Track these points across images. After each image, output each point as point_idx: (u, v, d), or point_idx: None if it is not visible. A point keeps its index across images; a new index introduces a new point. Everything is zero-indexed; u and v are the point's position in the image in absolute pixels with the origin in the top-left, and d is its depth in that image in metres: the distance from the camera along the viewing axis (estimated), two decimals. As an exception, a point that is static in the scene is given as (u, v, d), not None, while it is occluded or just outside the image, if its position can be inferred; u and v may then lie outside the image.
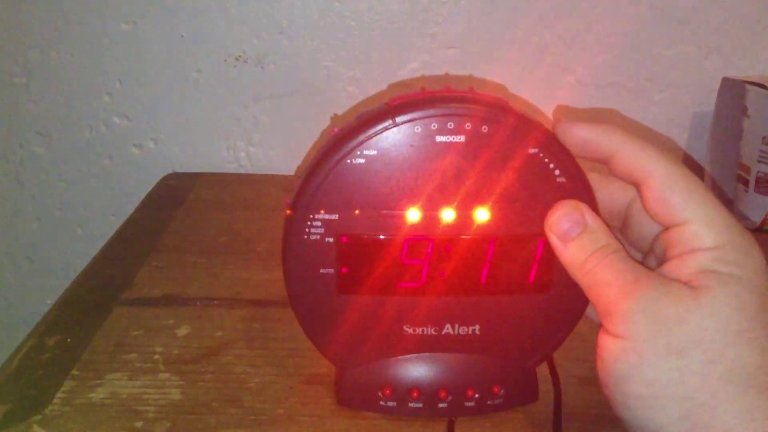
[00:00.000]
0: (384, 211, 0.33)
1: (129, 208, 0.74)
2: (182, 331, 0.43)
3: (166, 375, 0.39)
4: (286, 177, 0.72)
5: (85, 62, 0.70)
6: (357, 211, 0.33)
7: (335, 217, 0.33)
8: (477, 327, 0.35)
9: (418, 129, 0.31)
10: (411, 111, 0.31)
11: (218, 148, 0.73)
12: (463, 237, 0.33)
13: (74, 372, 0.39)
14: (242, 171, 0.74)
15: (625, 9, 0.68)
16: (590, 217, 0.31)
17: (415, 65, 0.70)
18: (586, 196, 0.32)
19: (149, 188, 0.70)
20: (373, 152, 0.32)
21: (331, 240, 0.33)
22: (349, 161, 0.32)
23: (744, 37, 0.70)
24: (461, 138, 0.31)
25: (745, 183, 0.68)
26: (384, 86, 0.71)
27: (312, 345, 0.36)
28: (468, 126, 0.31)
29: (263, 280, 0.50)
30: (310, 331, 0.36)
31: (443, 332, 0.35)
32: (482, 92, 0.33)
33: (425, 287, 0.34)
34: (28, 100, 0.71)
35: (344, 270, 0.34)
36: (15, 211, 0.75)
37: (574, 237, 0.31)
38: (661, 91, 0.72)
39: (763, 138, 0.65)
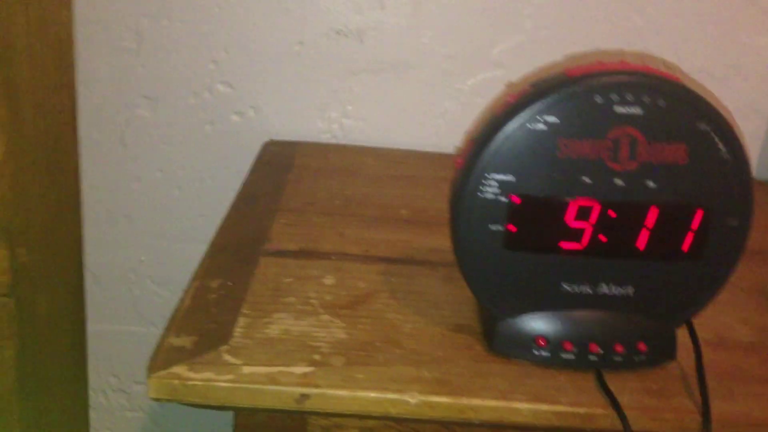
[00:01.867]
0: (556, 175, 0.36)
1: (225, 172, 0.78)
2: (328, 281, 0.47)
3: (327, 317, 0.43)
4: (379, 149, 0.75)
5: (194, 31, 0.73)
6: (532, 174, 0.36)
7: (510, 177, 0.36)
8: (630, 288, 0.38)
9: (598, 99, 0.35)
10: (592, 81, 0.35)
11: (314, 119, 0.77)
12: (628, 204, 0.36)
13: (244, 311, 0.42)
14: (335, 141, 0.77)
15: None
16: None
17: (510, 45, 0.73)
18: (746, 175, 0.36)
19: (246, 154, 0.73)
20: (553, 119, 0.35)
21: (503, 199, 0.37)
22: (529, 126, 0.35)
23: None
24: (638, 110, 0.35)
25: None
26: (477, 66, 0.74)
27: (454, 299, 0.39)
28: (646, 99, 0.34)
29: (385, 239, 0.54)
30: (473, 281, 0.39)
31: (598, 291, 0.38)
32: (657, 68, 0.36)
33: (587, 249, 0.37)
34: (137, 65, 0.74)
35: (512, 228, 0.37)
36: (117, 170, 0.78)
37: None
38: (746, 79, 0.74)
39: None
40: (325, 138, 0.77)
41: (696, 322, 0.41)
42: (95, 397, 0.88)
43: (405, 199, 0.62)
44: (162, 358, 0.37)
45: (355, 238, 0.54)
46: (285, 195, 0.61)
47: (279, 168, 0.67)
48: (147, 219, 0.80)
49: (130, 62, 0.74)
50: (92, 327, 0.84)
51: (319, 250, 0.51)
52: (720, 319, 0.45)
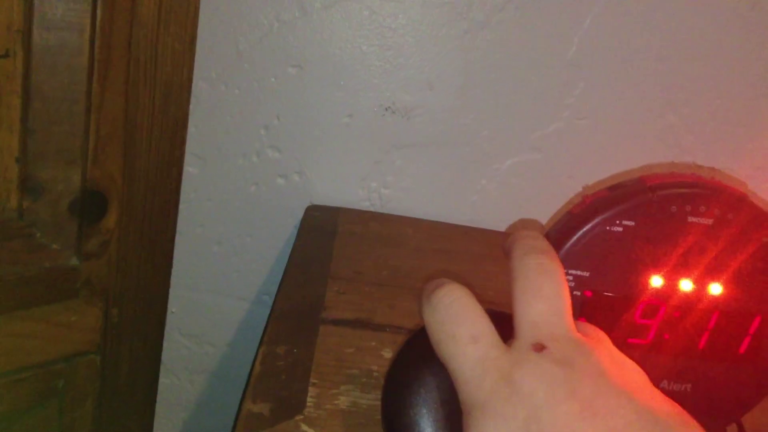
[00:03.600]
0: (629, 275, 0.39)
1: (265, 232, 0.80)
2: (387, 354, 0.49)
3: (392, 392, 0.44)
4: (416, 219, 0.78)
5: (249, 97, 0.76)
6: (606, 271, 0.39)
7: (585, 273, 0.39)
8: (689, 385, 0.40)
9: (674, 208, 0.38)
10: (670, 190, 0.38)
11: (355, 187, 0.80)
12: (691, 306, 0.39)
13: (313, 380, 0.44)
14: (372, 209, 0.80)
15: (748, 101, 0.75)
16: None
17: (547, 131, 0.77)
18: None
19: (287, 216, 0.76)
20: (631, 223, 0.38)
21: (578, 293, 0.39)
22: (608, 228, 0.38)
23: None
24: (710, 221, 0.37)
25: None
26: (515, 148, 0.77)
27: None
28: (717, 211, 0.37)
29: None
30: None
31: (659, 386, 0.40)
32: (725, 182, 0.39)
33: (651, 345, 0.40)
34: (190, 124, 0.77)
35: (584, 320, 0.39)
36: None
37: None
38: (769, 180, 0.78)
39: None
40: (363, 205, 0.80)
41: (745, 420, 0.43)
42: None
43: (448, 273, 0.65)
44: (243, 424, 0.39)
45: (406, 311, 0.56)
46: (334, 262, 0.63)
47: (324, 234, 0.70)
48: (183, 271, 0.82)
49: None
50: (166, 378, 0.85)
51: (373, 321, 0.53)
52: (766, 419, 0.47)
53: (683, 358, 0.40)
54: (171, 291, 0.83)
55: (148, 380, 0.71)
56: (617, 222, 0.38)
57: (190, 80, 0.59)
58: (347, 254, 0.66)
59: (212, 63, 0.75)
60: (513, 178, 0.79)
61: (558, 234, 0.40)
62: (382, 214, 0.79)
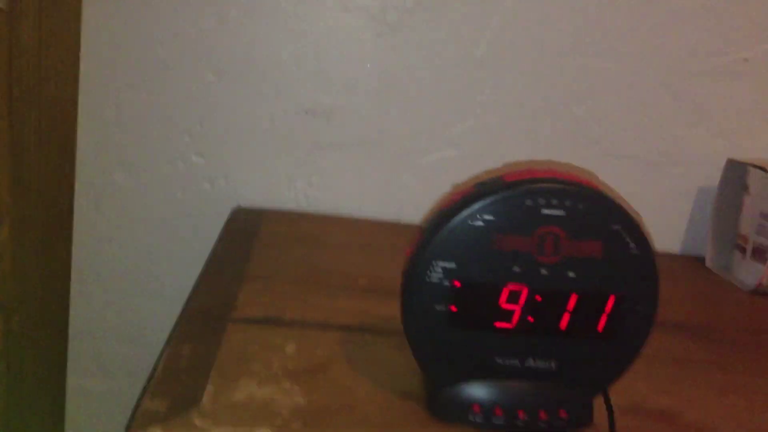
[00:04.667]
0: (491, 264, 0.42)
1: (194, 236, 0.82)
2: (290, 348, 0.52)
3: (288, 383, 0.47)
4: (342, 217, 0.80)
5: (172, 104, 0.78)
6: (471, 262, 0.42)
7: (453, 265, 0.42)
8: (553, 363, 0.44)
9: (528, 202, 0.41)
10: (524, 187, 0.41)
11: (281, 188, 0.82)
12: (551, 290, 0.42)
13: (213, 377, 0.47)
14: (300, 209, 0.83)
15: (649, 91, 0.79)
16: None
17: (463, 128, 0.80)
18: (652, 267, 0.42)
19: (216, 219, 0.78)
20: (490, 217, 0.41)
21: (446, 283, 0.42)
22: (470, 222, 0.41)
23: (748, 123, 0.81)
24: (561, 212, 0.41)
25: (743, 251, 0.78)
26: (434, 144, 0.81)
27: (403, 368, 0.44)
28: (567, 203, 0.41)
29: (345, 308, 0.59)
30: (419, 353, 0.44)
31: (526, 365, 0.44)
32: (578, 176, 0.42)
33: (516, 328, 0.43)
34: (115, 133, 0.79)
35: (454, 308, 0.43)
36: (90, 231, 0.82)
37: None
38: (675, 165, 0.82)
39: (761, 213, 0.76)
40: (291, 206, 0.83)
41: (614, 390, 0.47)
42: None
43: (365, 267, 0.67)
44: (138, 421, 0.41)
45: (317, 307, 0.59)
46: (252, 263, 0.66)
47: (247, 235, 0.72)
48: (116, 278, 0.84)
49: (109, 131, 0.79)
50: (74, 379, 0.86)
51: (282, 318, 0.56)
52: (637, 387, 0.51)
53: (547, 338, 0.43)
54: (106, 297, 0.85)
55: (56, 384, 0.73)
56: (478, 216, 0.41)
57: (75, 97, 0.60)
58: (267, 255, 0.68)
59: (134, 71, 0.77)
60: (434, 173, 0.82)
61: (429, 228, 0.43)
62: (308, 214, 0.82)
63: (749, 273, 0.77)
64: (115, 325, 0.86)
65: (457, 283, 0.42)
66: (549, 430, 0.44)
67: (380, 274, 0.66)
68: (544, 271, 0.42)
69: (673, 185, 0.83)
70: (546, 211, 0.41)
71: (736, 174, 0.79)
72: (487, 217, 0.41)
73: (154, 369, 0.47)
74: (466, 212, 0.41)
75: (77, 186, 0.80)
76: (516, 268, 0.42)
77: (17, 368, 0.60)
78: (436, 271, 0.42)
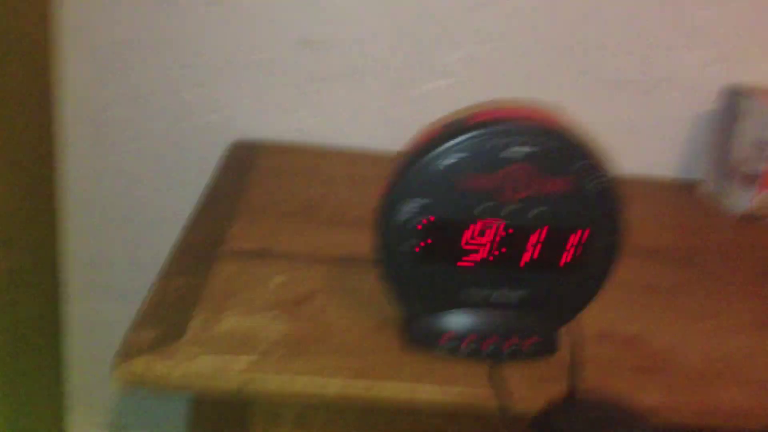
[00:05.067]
0: (459, 202, 0.43)
1: (193, 169, 0.84)
2: (277, 280, 0.54)
3: (273, 313, 0.50)
4: (337, 149, 0.82)
5: (169, 36, 0.79)
6: (440, 200, 0.43)
7: (422, 203, 0.44)
8: (521, 293, 0.46)
9: (495, 141, 0.42)
10: (490, 127, 0.42)
11: (277, 120, 0.83)
12: (519, 225, 0.44)
13: (200, 308, 0.50)
14: (297, 140, 0.84)
15: (643, 14, 0.78)
16: None
17: (456, 57, 0.80)
18: (617, 201, 0.43)
19: (216, 151, 0.80)
20: (458, 156, 0.42)
21: (416, 221, 0.44)
22: (437, 163, 0.43)
23: (744, 49, 0.79)
24: (528, 149, 0.42)
25: (735, 177, 0.79)
26: (429, 74, 0.81)
27: (380, 296, 0.47)
28: (534, 141, 0.42)
29: (335, 240, 0.61)
30: (392, 287, 0.46)
31: (495, 295, 0.46)
32: (545, 114, 0.43)
33: (485, 261, 0.45)
34: (115, 68, 0.80)
35: (424, 243, 0.45)
36: (94, 164, 0.85)
37: None
38: (668, 92, 0.82)
39: (755, 140, 0.76)
40: (287, 138, 0.84)
41: (586, 318, 0.49)
42: (83, 371, 0.95)
43: (356, 199, 0.69)
44: (125, 350, 0.45)
45: (307, 240, 0.61)
46: (246, 197, 0.68)
47: (243, 169, 0.74)
48: (117, 208, 0.87)
49: (110, 63, 0.80)
50: (76, 307, 0.91)
51: (272, 250, 0.59)
52: (607, 315, 0.53)
53: (515, 270, 0.45)
54: (107, 226, 0.88)
55: (52, 317, 0.77)
56: (446, 156, 0.42)
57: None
58: (261, 188, 0.70)
59: (133, 4, 0.77)
60: (427, 104, 0.82)
61: (398, 169, 0.44)
62: (304, 146, 0.83)
63: (739, 198, 0.77)
64: (119, 253, 0.89)
65: (426, 221, 0.44)
66: (517, 356, 0.47)
67: (371, 205, 0.68)
68: (509, 208, 0.43)
69: (669, 111, 0.83)
70: (510, 150, 0.42)
71: (731, 100, 0.79)
72: (453, 157, 0.42)
73: (144, 301, 0.50)
74: (433, 153, 0.43)
75: (76, 122, 0.82)
76: (482, 206, 0.43)
77: (11, 307, 0.64)
78: (406, 210, 0.44)
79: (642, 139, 0.84)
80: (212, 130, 0.83)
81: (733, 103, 0.78)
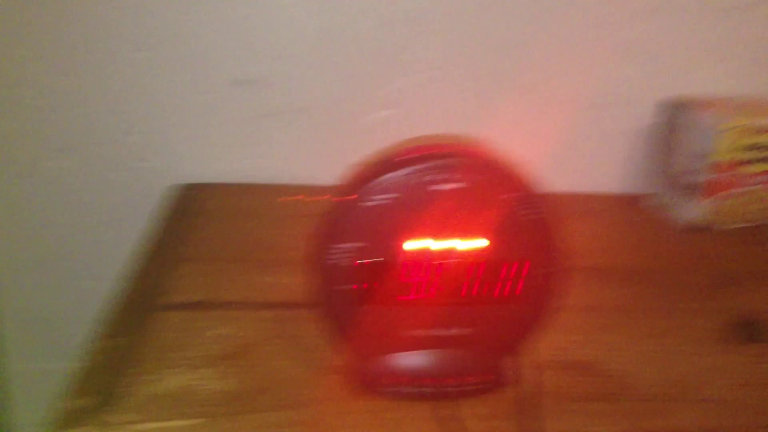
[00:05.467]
0: (389, 241, 0.42)
1: (132, 217, 0.82)
2: (217, 332, 0.52)
3: (214, 369, 0.48)
4: (281, 186, 0.81)
5: (100, 84, 0.77)
6: (369, 241, 0.42)
7: (351, 246, 0.43)
8: (463, 329, 0.45)
9: (418, 178, 0.41)
10: (413, 165, 0.41)
11: (217, 161, 0.82)
12: (451, 261, 0.43)
13: (136, 369, 0.48)
14: (243, 181, 0.82)
15: (577, 34, 0.78)
16: None
17: (394, 88, 0.80)
18: (551, 231, 0.43)
19: (154, 198, 0.78)
20: (382, 197, 0.41)
21: (351, 261, 0.43)
22: (362, 203, 0.42)
23: (678, 61, 0.81)
24: (455, 184, 0.41)
25: (678, 188, 0.79)
26: (370, 106, 0.80)
27: (328, 341, 0.46)
28: (458, 176, 0.41)
29: (279, 283, 0.59)
30: (333, 331, 0.45)
31: (437, 333, 0.45)
32: (471, 146, 0.42)
33: (420, 300, 0.44)
34: (41, 120, 0.78)
35: (357, 286, 0.44)
36: (28, 219, 0.82)
37: None
38: (610, 107, 0.82)
39: (695, 151, 0.76)
40: (233, 178, 0.82)
41: (537, 347, 0.48)
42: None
43: (300, 239, 0.68)
44: (61, 420, 0.42)
45: (249, 285, 0.59)
46: (186, 243, 0.66)
47: (182, 213, 0.72)
48: (56, 263, 0.84)
49: (35, 118, 0.78)
50: (20, 365, 0.88)
51: (213, 300, 0.57)
52: (559, 341, 0.52)
53: (452, 307, 0.44)
54: (56, 281, 0.85)
55: None
56: (371, 197, 0.42)
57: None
58: (201, 233, 0.68)
59: (58, 53, 0.75)
60: (372, 135, 0.82)
61: (326, 213, 0.43)
62: (248, 186, 0.81)
63: (684, 209, 0.78)
64: (58, 310, 0.86)
65: (358, 263, 0.43)
66: (465, 394, 0.46)
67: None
68: (442, 244, 0.43)
69: (610, 126, 0.83)
70: (439, 186, 0.41)
71: (670, 113, 0.80)
72: (381, 197, 0.42)
73: (77, 367, 0.48)
74: (359, 193, 0.42)
75: (12, 176, 0.80)
76: (414, 244, 0.42)
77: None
78: (336, 254, 0.43)
79: (584, 156, 0.85)
80: (149, 175, 0.81)
81: (672, 116, 0.79)
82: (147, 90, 0.78)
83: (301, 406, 0.45)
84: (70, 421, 0.42)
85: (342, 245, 0.43)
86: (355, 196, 0.42)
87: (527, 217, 0.43)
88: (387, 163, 0.42)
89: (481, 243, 0.43)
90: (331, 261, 0.43)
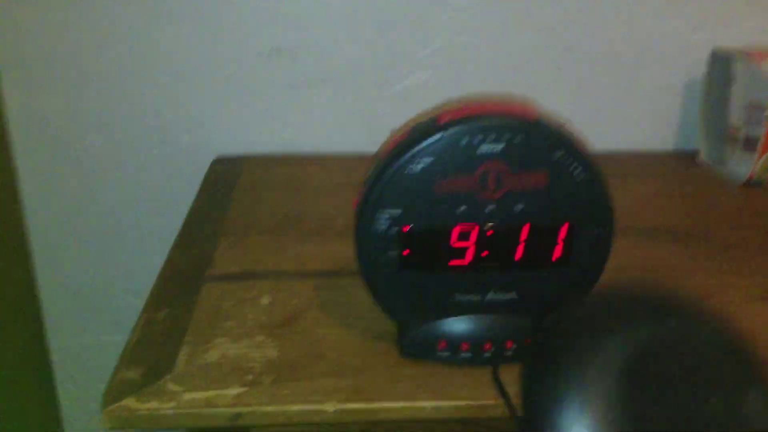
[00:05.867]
0: (437, 206, 0.41)
1: (178, 190, 0.82)
2: (265, 301, 0.53)
3: (262, 337, 0.48)
4: (320, 156, 0.80)
5: (135, 61, 0.77)
6: (415, 207, 0.41)
7: (398, 212, 0.42)
8: (513, 294, 0.44)
9: (464, 141, 0.40)
10: (458, 127, 0.40)
11: (256, 133, 0.82)
12: (498, 224, 0.42)
13: (187, 339, 0.48)
14: (279, 152, 0.82)
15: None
16: None
17: (432, 49, 0.78)
18: (602, 189, 0.41)
19: (197, 171, 0.78)
20: (427, 160, 0.40)
21: (395, 230, 0.42)
22: (408, 168, 0.41)
23: (728, 12, 0.77)
24: (500, 146, 0.40)
25: (734, 143, 0.76)
26: (406, 71, 0.79)
27: (376, 309, 0.45)
28: (505, 136, 0.40)
29: (320, 253, 0.59)
30: (379, 299, 0.45)
31: (486, 298, 0.44)
32: (516, 105, 0.41)
33: (471, 264, 0.43)
34: (84, 98, 0.79)
35: (406, 252, 0.43)
36: (75, 194, 0.83)
37: None
38: (656, 62, 0.79)
39: (749, 103, 0.73)
40: (269, 149, 0.82)
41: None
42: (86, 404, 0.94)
43: (341, 209, 0.68)
44: (113, 391, 0.43)
45: (293, 255, 0.59)
46: (228, 216, 0.66)
47: (224, 186, 0.72)
48: (117, 233, 0.85)
49: (77, 95, 0.79)
50: (68, 340, 0.90)
51: (257, 270, 0.57)
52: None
53: (503, 271, 0.43)
54: (111, 255, 0.87)
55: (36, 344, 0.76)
56: (415, 161, 0.41)
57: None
58: (244, 205, 0.68)
59: (94, 33, 0.76)
60: (406, 101, 0.80)
61: (369, 179, 0.42)
62: (286, 157, 0.81)
63: (741, 165, 0.75)
64: (125, 281, 0.88)
65: (405, 229, 0.42)
66: (516, 359, 0.45)
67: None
68: (490, 207, 0.41)
69: (658, 82, 0.80)
70: (484, 148, 0.40)
71: (721, 64, 0.76)
72: (425, 161, 0.41)
73: (130, 337, 0.49)
74: (402, 159, 0.41)
75: (52, 154, 0.81)
76: (461, 208, 0.42)
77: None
78: (383, 220, 0.42)
79: (633, 113, 0.82)
80: (191, 150, 0.81)
81: (723, 68, 0.76)
82: (186, 63, 0.78)
83: (350, 375, 0.45)
84: (122, 391, 0.43)
85: (388, 211, 0.42)
86: (396, 163, 0.41)
87: (576, 178, 0.41)
88: (431, 126, 0.41)
89: (529, 205, 0.42)
90: (375, 229, 0.42)
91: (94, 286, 0.88)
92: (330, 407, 0.42)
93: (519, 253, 0.43)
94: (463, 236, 0.42)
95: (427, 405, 0.43)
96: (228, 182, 0.73)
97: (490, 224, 0.42)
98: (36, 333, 0.86)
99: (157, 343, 0.48)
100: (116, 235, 0.85)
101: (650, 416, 0.22)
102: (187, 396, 0.43)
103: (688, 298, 0.25)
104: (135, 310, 0.51)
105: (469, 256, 0.43)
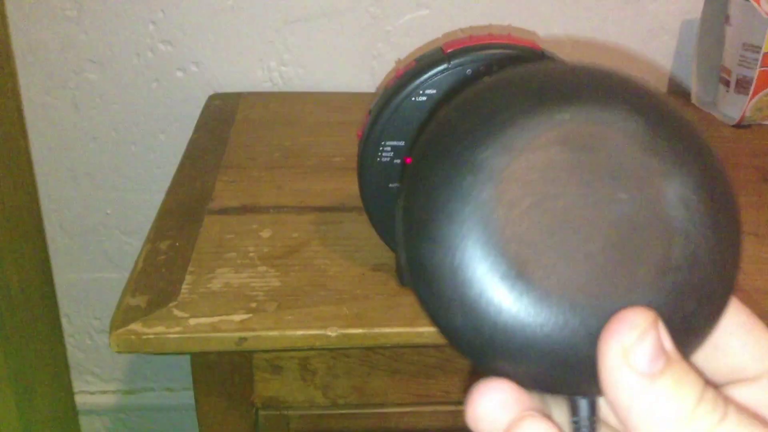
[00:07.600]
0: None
1: (176, 126, 0.83)
2: (265, 234, 0.53)
3: (264, 268, 0.49)
4: (318, 93, 0.80)
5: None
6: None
7: (401, 143, 0.42)
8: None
9: (469, 71, 0.40)
10: (462, 56, 0.40)
11: (253, 69, 0.81)
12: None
13: (191, 269, 0.49)
14: (276, 90, 0.82)
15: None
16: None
17: (432, -14, 0.77)
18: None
19: (194, 107, 0.78)
20: (432, 91, 0.41)
21: (398, 161, 0.43)
22: (413, 99, 0.41)
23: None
24: (502, 78, 0.40)
25: (727, 84, 0.77)
26: (402, 6, 0.78)
27: (376, 241, 0.46)
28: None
29: (320, 189, 0.60)
30: (381, 230, 0.46)
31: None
32: (520, 38, 0.41)
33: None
34: (80, 32, 0.77)
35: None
36: (73, 133, 0.83)
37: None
38: (653, 0, 0.79)
39: (744, 44, 0.73)
40: (266, 87, 0.82)
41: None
42: (82, 340, 0.95)
43: (339, 146, 0.68)
44: (120, 317, 0.44)
45: (292, 190, 0.60)
46: (227, 151, 0.66)
47: (222, 122, 0.72)
48: (107, 175, 0.86)
49: (73, 29, 0.77)
50: (69, 276, 0.91)
51: (258, 204, 0.57)
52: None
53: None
54: (103, 193, 0.87)
55: (42, 279, 0.77)
56: (420, 92, 0.41)
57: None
58: (242, 141, 0.69)
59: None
60: (406, 37, 0.80)
61: (374, 109, 0.43)
62: (285, 93, 0.81)
63: (733, 106, 0.76)
64: (112, 220, 0.88)
65: (408, 161, 0.43)
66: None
67: (355, 150, 0.67)
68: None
69: (654, 21, 0.80)
70: (488, 79, 0.40)
71: (717, 4, 0.76)
72: (429, 91, 0.41)
73: (135, 266, 0.49)
74: (407, 89, 0.41)
75: (51, 88, 0.80)
76: (463, 139, 0.42)
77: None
78: (387, 151, 0.43)
79: (626, 51, 0.82)
80: (187, 85, 0.81)
81: (719, 8, 0.76)
82: (179, -3, 0.76)
83: (351, 302, 0.46)
84: (127, 317, 0.44)
85: (392, 143, 0.42)
86: (400, 94, 0.41)
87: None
88: (436, 56, 0.41)
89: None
90: (379, 161, 0.43)
91: (91, 223, 0.88)
92: (332, 332, 0.44)
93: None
94: (465, 168, 0.43)
95: (425, 330, 0.44)
96: (225, 119, 0.73)
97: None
98: (41, 268, 0.86)
99: (161, 273, 0.49)
100: (112, 171, 0.85)
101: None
102: (193, 321, 0.44)
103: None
104: (133, 247, 0.52)
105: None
